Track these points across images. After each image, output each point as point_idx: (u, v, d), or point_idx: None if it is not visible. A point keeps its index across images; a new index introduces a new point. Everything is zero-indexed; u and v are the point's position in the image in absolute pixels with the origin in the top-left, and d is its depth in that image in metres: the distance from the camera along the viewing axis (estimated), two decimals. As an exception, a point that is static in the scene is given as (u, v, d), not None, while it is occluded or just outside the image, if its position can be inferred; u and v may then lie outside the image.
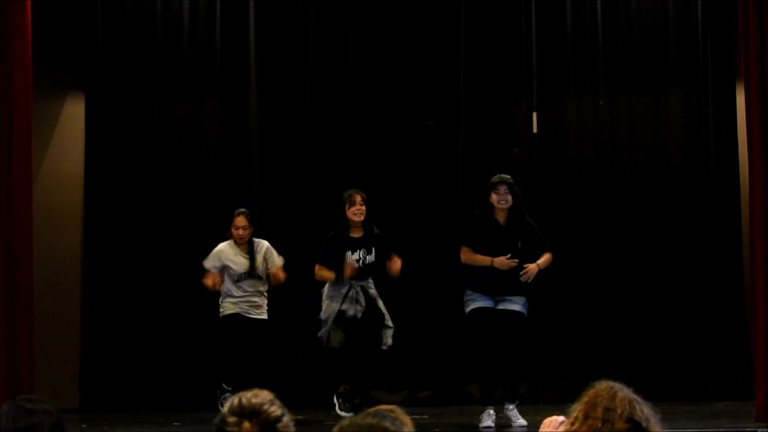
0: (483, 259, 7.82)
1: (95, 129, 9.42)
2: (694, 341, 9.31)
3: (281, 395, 2.73)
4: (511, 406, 7.85)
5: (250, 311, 8.31)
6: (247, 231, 8.31)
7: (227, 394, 8.00)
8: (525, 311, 7.88)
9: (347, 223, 8.11)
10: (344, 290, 8.09)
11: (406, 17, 9.50)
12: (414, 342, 9.23)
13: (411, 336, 9.18)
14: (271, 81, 9.50)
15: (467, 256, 7.90)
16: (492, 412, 7.79)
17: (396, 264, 8.15)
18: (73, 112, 9.52)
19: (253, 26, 9.47)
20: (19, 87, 7.43)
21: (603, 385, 2.86)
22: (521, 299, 7.87)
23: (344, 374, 8.13)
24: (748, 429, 7.39)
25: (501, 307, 7.82)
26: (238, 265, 8.30)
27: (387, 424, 2.54)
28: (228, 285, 8.32)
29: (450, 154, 9.52)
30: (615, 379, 2.94)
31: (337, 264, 8.08)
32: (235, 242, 8.33)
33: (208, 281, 8.25)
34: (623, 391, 2.84)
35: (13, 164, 7.37)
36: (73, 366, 9.24)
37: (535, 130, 9.51)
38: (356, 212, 8.07)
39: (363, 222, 8.11)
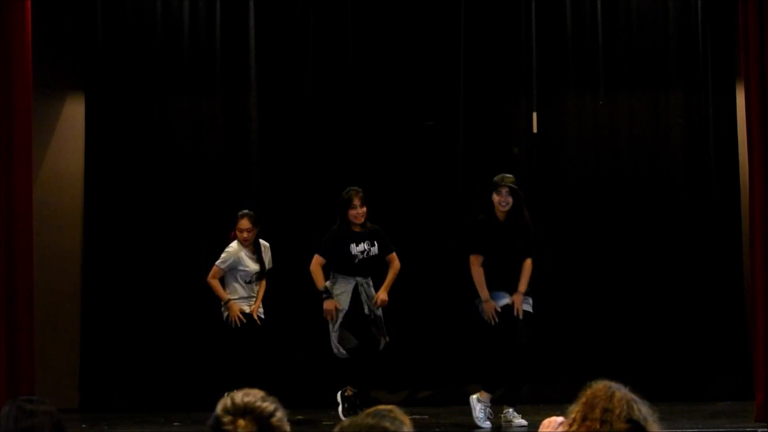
0: (482, 289, 7.81)
1: (95, 129, 9.42)
2: (694, 341, 9.31)
3: (281, 395, 2.73)
4: (511, 410, 7.86)
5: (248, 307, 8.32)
6: (252, 233, 8.31)
7: None
8: (532, 311, 7.92)
9: (348, 222, 8.12)
10: (351, 287, 8.09)
11: (406, 17, 9.50)
12: (414, 342, 9.23)
13: (411, 336, 9.19)
14: (271, 81, 9.50)
15: (478, 270, 7.86)
16: (488, 402, 7.79)
17: (393, 263, 8.17)
18: (73, 112, 9.52)
19: (253, 26, 9.47)
20: (19, 87, 7.43)
21: (600, 386, 2.87)
22: (530, 299, 7.92)
23: (354, 377, 8.11)
24: (748, 429, 7.39)
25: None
26: (250, 267, 8.30)
27: (386, 423, 2.55)
28: (235, 285, 8.31)
29: (450, 154, 9.52)
30: (615, 379, 2.94)
31: (337, 256, 8.07)
32: (241, 244, 8.32)
33: (234, 313, 8.24)
34: (621, 391, 2.84)
35: (13, 164, 7.37)
36: (73, 366, 9.24)
37: (535, 130, 9.51)
38: (357, 215, 8.08)
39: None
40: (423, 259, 9.08)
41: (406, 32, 9.49)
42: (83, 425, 8.12)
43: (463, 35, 9.48)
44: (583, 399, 2.87)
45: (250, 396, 2.65)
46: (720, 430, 7.41)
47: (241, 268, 8.28)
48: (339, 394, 8.09)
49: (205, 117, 9.53)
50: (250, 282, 8.31)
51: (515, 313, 7.78)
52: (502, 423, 7.82)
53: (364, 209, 8.10)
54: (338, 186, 8.46)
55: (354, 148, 9.42)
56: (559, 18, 9.56)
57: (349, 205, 8.08)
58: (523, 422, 7.79)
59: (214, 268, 8.30)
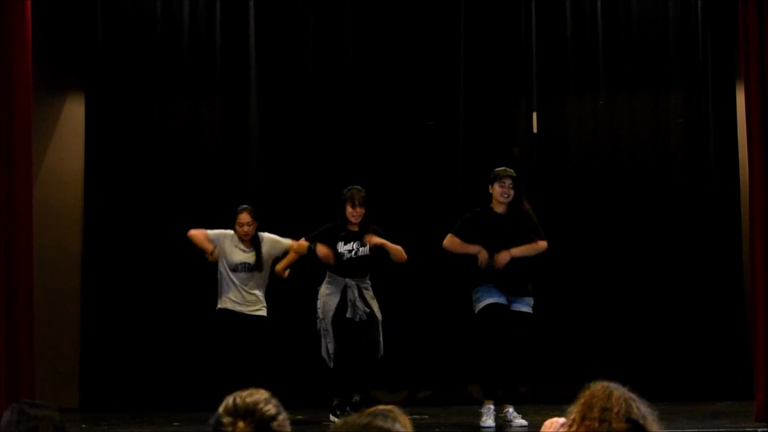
0: (470, 247, 7.80)
1: (95, 129, 9.43)
2: (694, 341, 9.31)
3: (280, 395, 2.72)
4: (510, 409, 7.85)
5: (245, 307, 8.27)
6: (252, 227, 8.29)
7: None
8: (532, 312, 7.90)
9: (345, 220, 8.13)
10: (340, 289, 8.07)
11: (406, 17, 9.50)
12: (414, 342, 9.24)
13: (411, 336, 9.19)
14: (271, 81, 9.50)
15: (452, 242, 7.86)
16: (492, 407, 7.78)
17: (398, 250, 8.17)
18: (73, 112, 9.53)
19: (253, 26, 9.48)
20: (19, 87, 7.42)
21: (598, 386, 2.87)
22: (530, 300, 7.88)
23: (337, 384, 8.07)
24: (748, 429, 7.38)
25: (514, 308, 7.81)
26: (231, 255, 8.27)
27: (379, 422, 2.54)
28: (224, 275, 8.28)
29: (450, 154, 9.52)
30: (615, 379, 2.94)
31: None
32: (240, 238, 8.32)
33: (208, 247, 8.23)
34: (619, 390, 2.84)
35: (13, 164, 7.36)
36: (73, 366, 9.24)
37: (535, 130, 9.52)
38: (354, 214, 8.08)
39: (362, 219, 8.14)
40: (423, 259, 9.07)
41: (406, 32, 9.50)
42: (83, 425, 8.11)
43: (463, 35, 9.49)
44: (582, 400, 2.87)
45: (254, 397, 2.63)
46: (720, 430, 7.40)
47: (223, 251, 8.26)
48: (331, 411, 8.06)
49: (205, 117, 9.54)
50: (235, 271, 8.28)
51: (493, 262, 7.73)
52: (502, 422, 7.81)
53: (362, 210, 8.09)
54: (338, 186, 8.45)
55: (354, 148, 9.42)
56: (559, 18, 9.56)
57: (347, 202, 8.09)
58: (524, 422, 7.78)
59: (200, 230, 8.32)
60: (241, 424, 2.59)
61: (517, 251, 7.82)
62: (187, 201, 9.33)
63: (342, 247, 8.08)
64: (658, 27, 9.59)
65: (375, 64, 9.51)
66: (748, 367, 8.13)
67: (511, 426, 7.77)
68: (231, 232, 8.32)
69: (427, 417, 8.27)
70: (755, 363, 7.69)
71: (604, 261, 9.38)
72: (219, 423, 2.60)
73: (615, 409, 2.79)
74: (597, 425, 2.78)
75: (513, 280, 7.80)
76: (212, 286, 8.34)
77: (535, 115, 9.52)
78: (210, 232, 8.31)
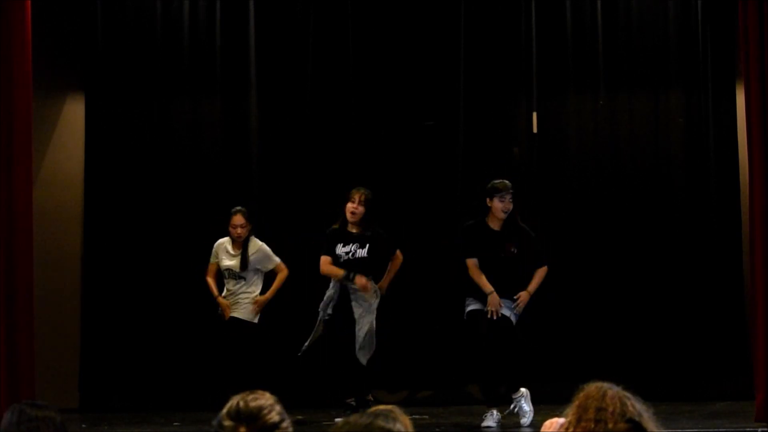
0: (485, 285, 7.80)
1: (95, 129, 9.43)
2: (694, 341, 9.30)
3: (280, 395, 2.71)
4: (495, 411, 7.79)
5: (235, 311, 8.31)
6: (245, 229, 8.31)
7: None
8: (513, 316, 7.87)
9: (346, 219, 8.13)
10: (338, 288, 8.10)
11: (406, 17, 9.50)
12: (414, 342, 9.23)
13: (411, 336, 9.19)
14: (271, 81, 9.50)
15: (475, 271, 7.85)
16: (496, 413, 7.77)
17: (395, 260, 8.20)
18: (73, 112, 9.52)
19: (253, 26, 9.47)
20: (19, 87, 7.42)
21: (592, 387, 2.87)
22: (509, 303, 7.86)
23: (350, 384, 8.11)
24: (748, 429, 7.38)
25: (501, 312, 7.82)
26: (221, 261, 8.33)
27: (380, 422, 2.53)
28: (228, 283, 8.36)
29: (450, 154, 9.52)
30: (615, 379, 2.95)
31: (329, 254, 8.11)
32: (232, 240, 8.34)
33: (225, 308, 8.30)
34: (613, 390, 2.85)
35: (13, 164, 7.36)
36: (73, 366, 9.24)
37: (535, 130, 9.51)
38: (351, 210, 8.09)
39: (362, 220, 8.12)
40: (423, 259, 9.08)
41: (405, 32, 9.49)
42: (83, 425, 8.11)
43: (463, 35, 9.48)
44: (576, 401, 2.88)
45: (258, 402, 2.59)
46: (720, 430, 7.40)
47: (220, 259, 8.33)
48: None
49: (205, 117, 9.54)
50: (228, 277, 8.32)
51: (491, 317, 7.73)
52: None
53: (361, 209, 8.08)
54: (338, 186, 8.46)
55: (354, 148, 9.41)
56: (559, 18, 9.55)
57: (348, 199, 8.11)
58: (529, 409, 7.77)
59: (209, 265, 8.42)
60: (243, 429, 2.55)
61: (534, 287, 7.92)
62: (187, 201, 9.32)
63: (340, 249, 8.09)
64: (658, 27, 9.58)
65: (375, 64, 9.50)
66: (748, 367, 8.12)
67: (519, 421, 7.73)
68: (226, 238, 8.35)
69: (427, 417, 8.27)
70: (755, 363, 7.69)
71: (603, 261, 9.37)
72: (221, 426, 2.57)
73: (610, 409, 2.79)
74: (593, 426, 2.78)
75: (499, 286, 7.80)
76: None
77: (535, 115, 9.51)
78: (212, 259, 8.37)
